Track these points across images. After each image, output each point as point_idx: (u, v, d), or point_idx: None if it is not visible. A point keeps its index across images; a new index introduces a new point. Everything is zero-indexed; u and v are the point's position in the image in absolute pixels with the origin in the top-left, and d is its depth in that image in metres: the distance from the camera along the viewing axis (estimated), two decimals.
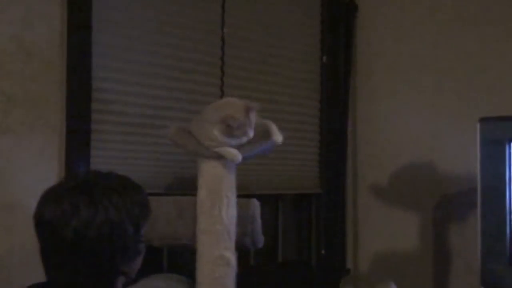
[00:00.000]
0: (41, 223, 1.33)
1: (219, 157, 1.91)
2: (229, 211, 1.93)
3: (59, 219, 1.28)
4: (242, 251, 2.04)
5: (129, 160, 2.35)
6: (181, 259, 2.45)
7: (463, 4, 2.75)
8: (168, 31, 2.46)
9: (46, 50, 2.15)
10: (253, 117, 1.89)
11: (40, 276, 2.13)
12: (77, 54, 2.20)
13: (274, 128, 1.93)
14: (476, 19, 2.71)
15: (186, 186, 2.19)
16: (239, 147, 1.92)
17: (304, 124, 2.97)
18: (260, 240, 2.08)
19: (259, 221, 2.04)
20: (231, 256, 1.92)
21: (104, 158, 2.27)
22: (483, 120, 2.06)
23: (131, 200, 1.35)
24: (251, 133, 1.89)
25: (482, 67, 2.67)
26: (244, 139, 1.89)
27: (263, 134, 1.97)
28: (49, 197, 1.35)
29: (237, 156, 1.90)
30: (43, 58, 2.15)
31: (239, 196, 2.00)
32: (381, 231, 2.95)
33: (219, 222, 1.90)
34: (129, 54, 2.35)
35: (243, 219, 1.98)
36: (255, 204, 2.05)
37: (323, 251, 3.01)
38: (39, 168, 2.14)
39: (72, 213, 1.28)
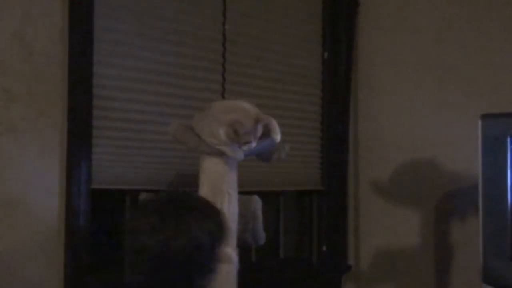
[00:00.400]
0: (130, 234, 1.43)
1: (221, 154, 1.91)
2: (231, 208, 1.93)
3: (146, 231, 1.38)
4: (243, 247, 2.04)
5: (130, 156, 2.35)
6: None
7: (465, 1, 2.74)
8: (170, 28, 2.46)
9: (47, 46, 2.15)
10: (261, 128, 1.90)
11: (40, 272, 2.14)
12: (78, 50, 2.20)
13: (274, 126, 1.92)
14: (478, 15, 2.70)
15: (188, 183, 2.19)
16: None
17: (305, 120, 2.96)
18: (262, 237, 2.08)
19: (260, 218, 2.05)
20: (233, 253, 1.92)
21: (105, 154, 2.27)
22: (484, 117, 2.06)
23: (212, 221, 1.45)
24: (253, 144, 1.90)
25: (484, 64, 2.67)
26: (245, 147, 1.89)
27: (264, 131, 1.97)
28: (139, 212, 1.49)
29: (239, 153, 1.90)
30: (44, 55, 2.14)
31: (240, 192, 2.00)
32: (383, 228, 2.95)
33: None
34: (130, 51, 2.35)
35: (244, 216, 1.98)
36: (257, 201, 2.05)
37: (324, 248, 3.01)
38: (40, 164, 2.14)
39: (159, 227, 1.38)
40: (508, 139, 2.01)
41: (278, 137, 1.92)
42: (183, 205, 1.45)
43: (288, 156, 2.82)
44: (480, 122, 2.06)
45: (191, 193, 1.61)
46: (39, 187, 2.14)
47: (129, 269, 1.45)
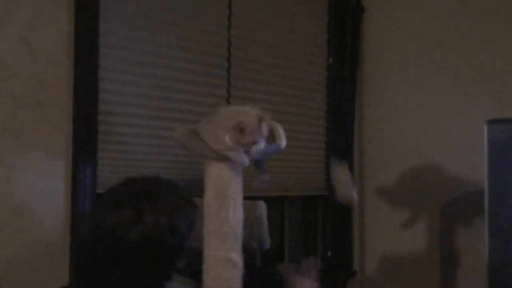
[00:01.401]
0: (102, 228, 1.40)
1: (226, 159, 1.91)
2: (236, 213, 1.92)
3: (123, 224, 1.35)
4: (248, 253, 2.04)
5: (135, 161, 2.36)
6: (188, 261, 2.45)
7: (469, 5, 2.74)
8: (175, 33, 2.47)
9: (53, 51, 2.16)
10: (265, 128, 1.89)
11: (46, 277, 2.14)
12: (84, 55, 2.21)
13: (280, 132, 1.92)
14: (483, 20, 2.70)
15: (193, 188, 2.19)
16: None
17: (310, 125, 2.97)
18: (267, 242, 2.08)
19: (265, 223, 2.04)
20: (238, 258, 1.92)
21: (111, 159, 2.28)
22: (490, 122, 2.06)
23: (186, 202, 1.46)
24: (261, 144, 1.89)
25: (489, 68, 2.67)
26: (253, 148, 1.88)
27: (269, 136, 1.97)
28: (110, 203, 1.42)
29: (244, 158, 1.90)
30: (51, 60, 2.15)
31: (245, 198, 2.00)
32: (388, 233, 2.95)
33: (226, 224, 1.89)
34: (136, 56, 2.36)
35: (250, 221, 1.98)
36: (262, 206, 2.05)
37: (329, 253, 3.01)
38: (46, 169, 2.14)
39: (136, 219, 1.35)
40: None
41: (283, 142, 1.91)
42: (157, 192, 1.44)
43: (293, 161, 2.85)
44: (485, 128, 2.06)
45: (156, 178, 1.58)
46: (45, 191, 2.14)
47: (102, 266, 1.44)
